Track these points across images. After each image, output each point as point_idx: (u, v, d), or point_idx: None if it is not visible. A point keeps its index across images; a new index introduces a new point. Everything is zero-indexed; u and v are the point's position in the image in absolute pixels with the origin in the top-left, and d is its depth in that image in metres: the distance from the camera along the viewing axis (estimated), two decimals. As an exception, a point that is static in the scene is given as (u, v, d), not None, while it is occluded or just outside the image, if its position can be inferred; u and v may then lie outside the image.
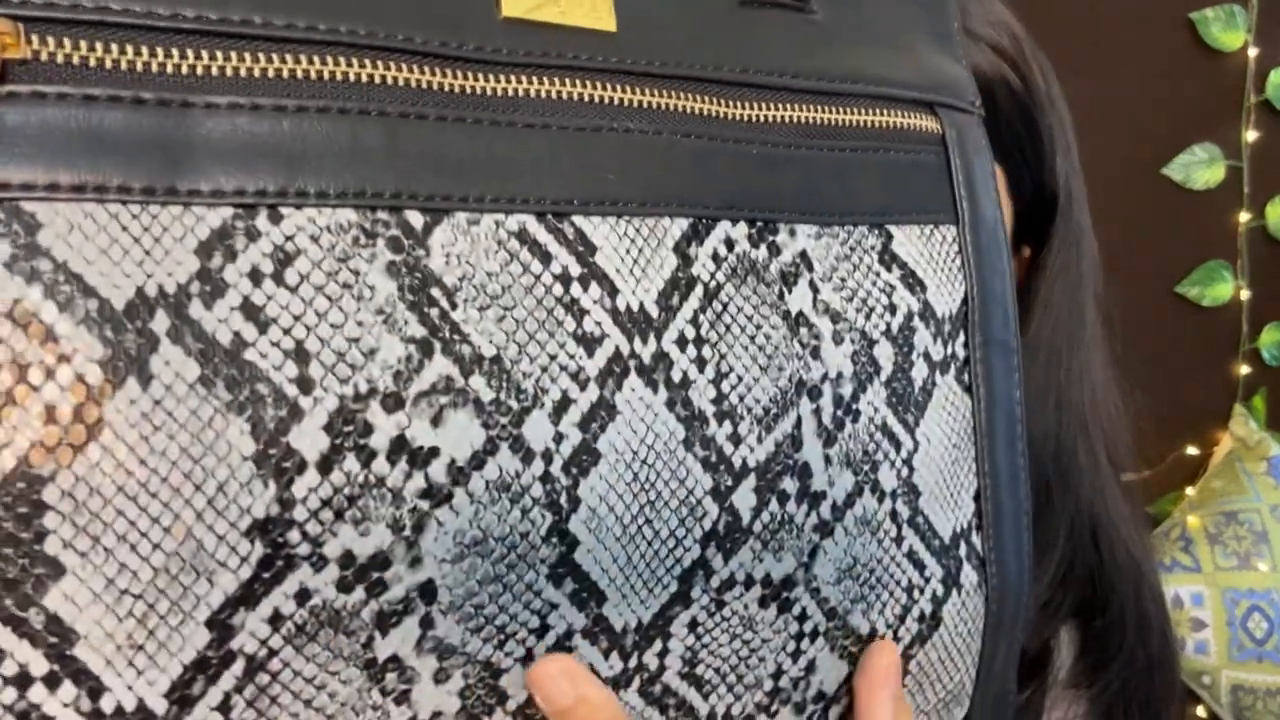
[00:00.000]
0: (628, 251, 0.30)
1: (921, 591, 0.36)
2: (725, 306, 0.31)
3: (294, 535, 0.25)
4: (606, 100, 0.30)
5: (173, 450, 0.24)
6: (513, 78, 0.29)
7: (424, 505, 0.26)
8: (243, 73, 0.25)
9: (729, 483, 0.31)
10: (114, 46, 0.24)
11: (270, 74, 0.26)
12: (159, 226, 0.24)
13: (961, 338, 0.38)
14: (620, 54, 0.31)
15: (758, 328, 0.32)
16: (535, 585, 0.28)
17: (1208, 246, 1.29)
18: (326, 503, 0.25)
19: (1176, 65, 1.26)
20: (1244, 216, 1.29)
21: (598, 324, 0.29)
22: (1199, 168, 1.26)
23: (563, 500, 0.28)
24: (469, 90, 0.28)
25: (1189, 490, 1.25)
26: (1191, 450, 1.29)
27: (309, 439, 0.25)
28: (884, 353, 0.35)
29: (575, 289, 0.29)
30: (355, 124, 0.26)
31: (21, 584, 0.23)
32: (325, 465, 0.25)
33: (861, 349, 0.34)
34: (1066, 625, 0.52)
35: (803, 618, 0.33)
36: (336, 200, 0.26)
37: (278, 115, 0.26)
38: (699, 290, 0.31)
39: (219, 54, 0.25)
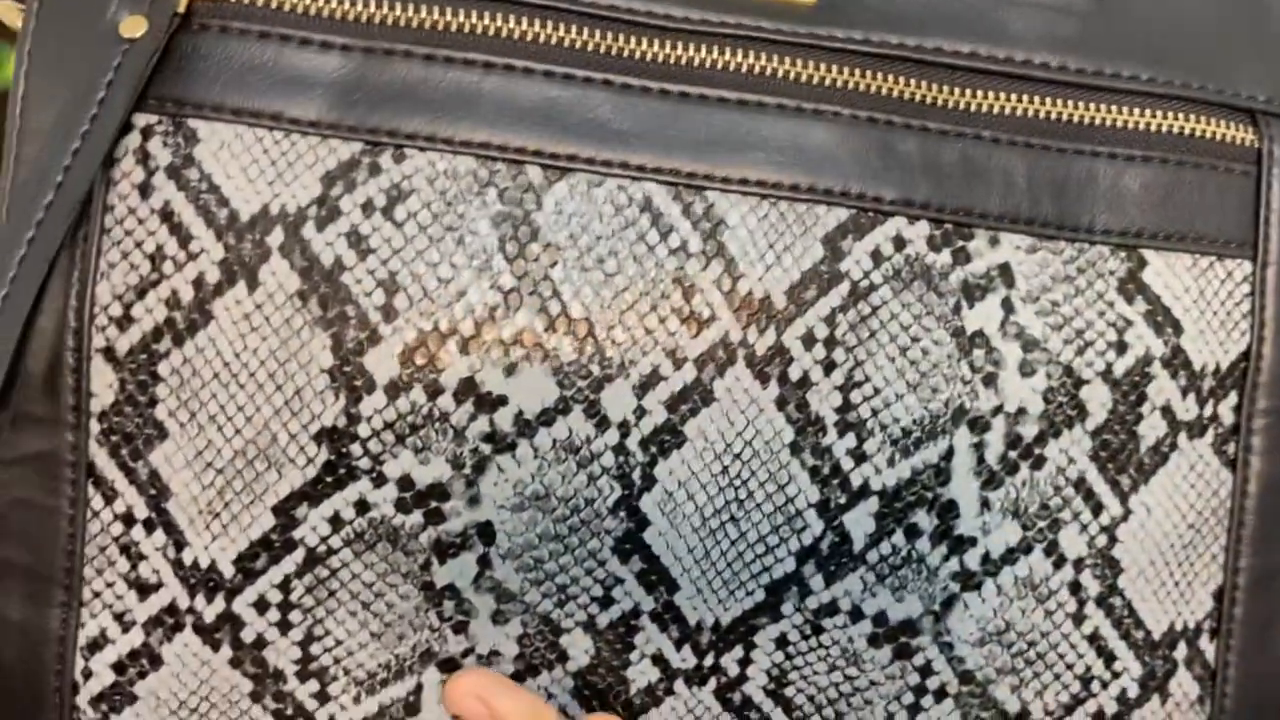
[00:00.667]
0: (764, 235, 0.28)
1: (1105, 686, 0.30)
2: (875, 310, 0.29)
3: (356, 449, 0.27)
4: (780, 74, 0.29)
5: (263, 351, 0.27)
6: (679, 44, 0.29)
7: (486, 448, 0.27)
8: (415, 23, 0.28)
9: (841, 500, 0.28)
10: None
11: (440, 26, 0.28)
12: (295, 153, 0.27)
13: (1232, 399, 0.31)
14: (812, 27, 0.29)
15: (914, 340, 0.29)
16: (599, 554, 0.28)
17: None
18: (389, 425, 0.27)
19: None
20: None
21: (709, 305, 0.28)
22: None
23: (635, 476, 0.28)
24: (625, 53, 0.28)
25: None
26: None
27: (382, 364, 0.27)
28: (1096, 396, 0.30)
29: (692, 265, 0.28)
30: (500, 78, 0.28)
31: (135, 438, 0.27)
32: (393, 390, 0.27)
33: (1061, 386, 0.29)
34: None
35: (926, 671, 0.30)
36: (460, 147, 0.27)
37: (426, 64, 0.27)
38: (843, 288, 0.28)
39: (398, 6, 0.28)
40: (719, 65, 0.29)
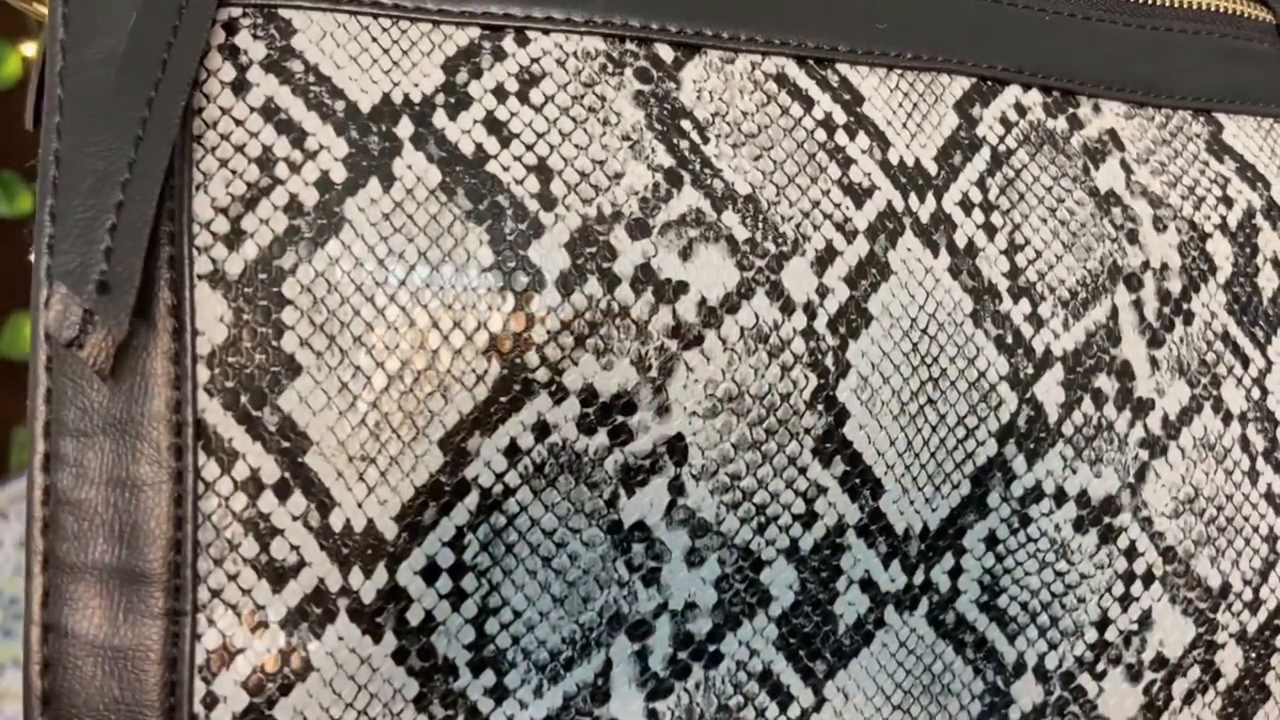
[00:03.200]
0: (900, 105, 0.27)
1: (1288, 546, 0.29)
2: (1018, 173, 0.28)
3: (532, 357, 0.23)
4: None
5: (411, 253, 0.22)
6: None
7: (672, 345, 0.24)
8: None
9: (1029, 370, 0.27)
10: None
11: None
12: (407, 40, 0.24)
13: (1321, 250, 0.32)
14: None
15: (1059, 200, 0.28)
16: (799, 460, 0.25)
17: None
18: (566, 325, 0.23)
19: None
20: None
21: (866, 174, 0.26)
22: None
23: (829, 361, 0.25)
24: None
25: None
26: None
27: (549, 256, 0.23)
28: (1220, 250, 0.30)
29: (840, 136, 0.26)
30: None
31: (258, 380, 0.22)
32: (565, 284, 0.23)
33: (1191, 241, 0.29)
34: None
35: (1131, 554, 0.28)
36: (585, 28, 0.25)
37: None
38: (985, 152, 0.27)
39: None
40: None
